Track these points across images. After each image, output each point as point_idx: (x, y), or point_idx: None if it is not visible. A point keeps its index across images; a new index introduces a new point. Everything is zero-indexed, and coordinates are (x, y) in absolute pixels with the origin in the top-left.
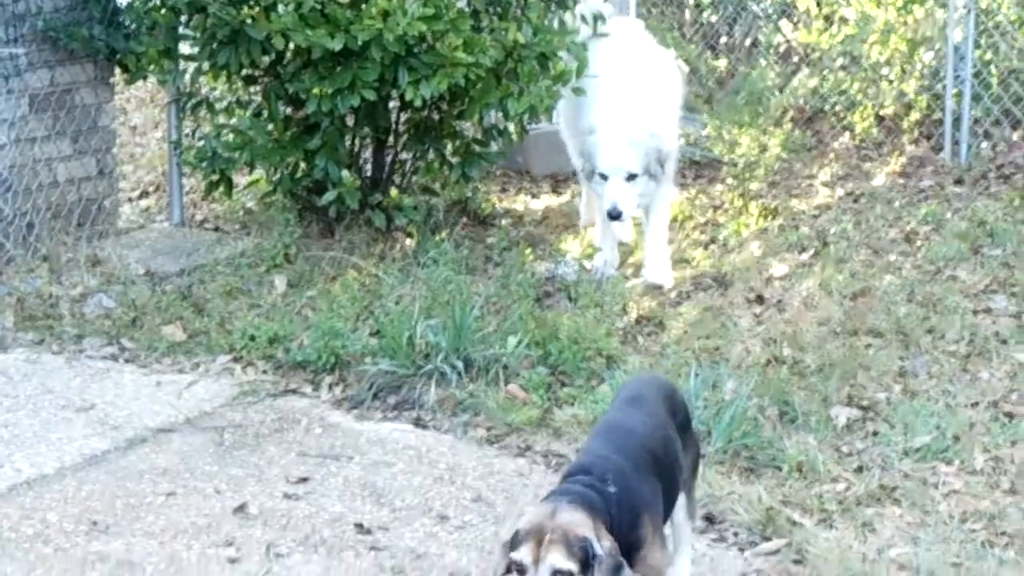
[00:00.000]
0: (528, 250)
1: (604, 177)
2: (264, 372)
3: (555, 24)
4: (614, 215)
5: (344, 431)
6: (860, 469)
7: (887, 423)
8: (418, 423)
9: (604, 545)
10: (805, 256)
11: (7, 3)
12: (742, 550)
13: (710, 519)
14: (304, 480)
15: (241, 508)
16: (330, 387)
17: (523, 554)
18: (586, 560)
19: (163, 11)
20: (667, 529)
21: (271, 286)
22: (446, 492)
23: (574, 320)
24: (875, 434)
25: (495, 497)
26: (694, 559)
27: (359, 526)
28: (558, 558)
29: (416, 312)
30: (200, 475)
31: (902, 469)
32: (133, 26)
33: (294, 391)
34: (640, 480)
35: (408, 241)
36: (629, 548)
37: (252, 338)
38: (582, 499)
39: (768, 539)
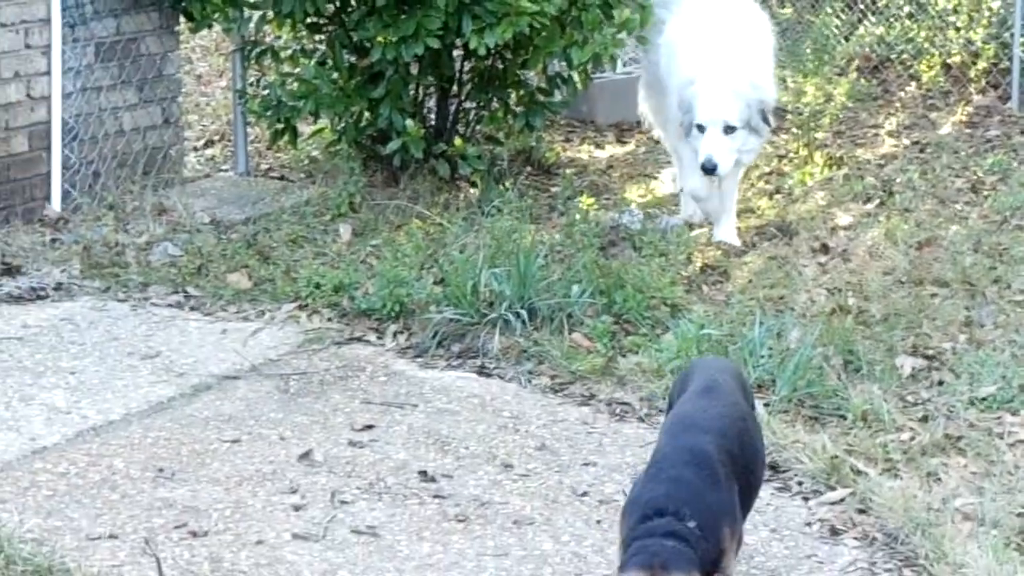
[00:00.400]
0: (592, 199)
1: (701, 129)
2: (329, 320)
3: None
4: (709, 168)
5: (408, 379)
6: (925, 419)
7: (952, 372)
8: (482, 371)
9: None
10: (870, 206)
11: None
12: (806, 499)
13: (774, 467)
14: (369, 428)
15: (306, 455)
16: (394, 335)
17: None
18: None
19: None
20: None
21: (336, 235)
22: (510, 440)
23: (638, 269)
24: (940, 384)
25: (559, 445)
26: (759, 508)
27: (423, 473)
28: None
29: (480, 261)
30: (265, 422)
31: (967, 419)
32: None
33: (359, 339)
34: (718, 492)
35: (472, 190)
36: (714, 565)
37: (317, 286)
38: (677, 554)
39: (832, 488)
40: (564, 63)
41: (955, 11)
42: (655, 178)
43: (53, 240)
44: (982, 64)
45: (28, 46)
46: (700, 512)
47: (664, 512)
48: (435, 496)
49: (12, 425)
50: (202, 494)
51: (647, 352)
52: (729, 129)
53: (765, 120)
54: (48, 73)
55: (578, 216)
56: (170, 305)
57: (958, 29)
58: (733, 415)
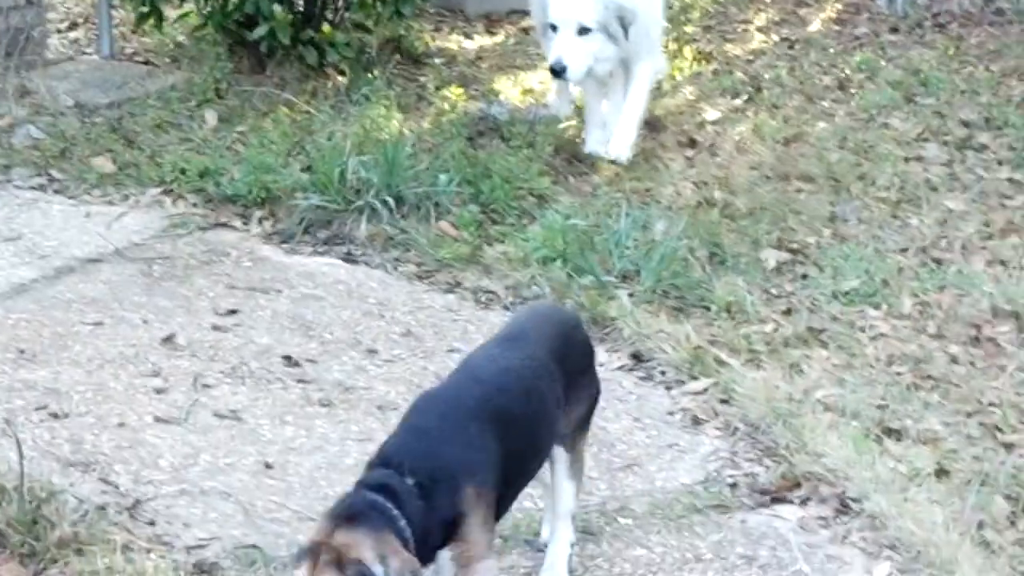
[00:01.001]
0: (461, 90)
1: (555, 29)
2: (194, 205)
3: None
4: (557, 70)
5: (274, 265)
6: (788, 311)
7: (816, 266)
8: (348, 258)
9: (391, 565)
10: (738, 101)
11: None
12: (669, 388)
13: (637, 357)
14: (232, 312)
15: (169, 339)
16: (260, 221)
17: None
18: None
19: None
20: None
21: (202, 120)
22: (375, 326)
23: (505, 159)
24: (804, 277)
25: (424, 332)
26: (621, 397)
27: (287, 358)
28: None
29: (348, 148)
30: (128, 306)
31: (830, 312)
32: None
33: (224, 225)
34: (463, 448)
35: (340, 78)
36: (450, 529)
37: (183, 171)
38: (369, 508)
39: (695, 378)
40: None
41: None
42: (524, 70)
43: None
44: None
45: None
46: (429, 469)
47: (388, 463)
48: (299, 381)
49: None
50: (63, 376)
51: (513, 241)
52: (583, 31)
53: (624, 28)
54: None
55: (446, 106)
56: (32, 188)
57: None
58: (523, 370)
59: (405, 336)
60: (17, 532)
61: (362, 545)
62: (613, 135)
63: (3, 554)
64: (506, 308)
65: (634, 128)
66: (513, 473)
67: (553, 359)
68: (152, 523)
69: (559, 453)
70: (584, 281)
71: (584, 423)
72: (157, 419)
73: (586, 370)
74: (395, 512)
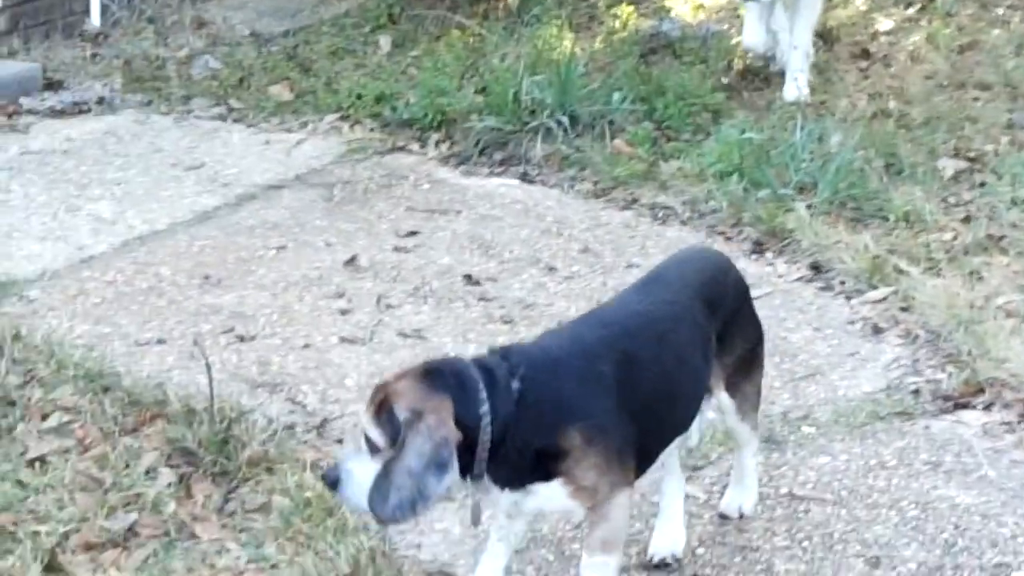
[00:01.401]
0: (632, 7)
1: None
2: (371, 130)
3: None
4: None
5: (451, 187)
6: (967, 219)
7: (995, 174)
8: (524, 178)
9: (422, 421)
10: (911, 10)
11: None
12: (849, 298)
13: (816, 268)
14: (413, 234)
15: (351, 261)
16: (436, 144)
17: (359, 410)
18: (396, 432)
19: None
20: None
21: (376, 46)
22: (554, 244)
23: (679, 75)
24: (982, 185)
25: (602, 248)
26: (801, 308)
27: (468, 277)
28: (366, 420)
29: (521, 69)
30: (310, 230)
31: (1009, 219)
32: None
33: (401, 148)
34: (578, 386)
35: (511, 0)
36: (552, 463)
37: (359, 97)
38: (451, 373)
39: (875, 287)
40: None
41: None
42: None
43: (94, 55)
44: None
45: None
46: (538, 385)
47: (506, 358)
48: (480, 299)
49: (60, 235)
50: (249, 300)
51: (689, 157)
52: None
53: None
54: None
55: (618, 24)
56: (212, 117)
57: None
58: (655, 315)
59: (583, 253)
60: (209, 452)
61: (405, 396)
62: (788, 80)
63: (196, 473)
64: (683, 223)
65: (807, 66)
66: (648, 421)
67: (699, 303)
68: (339, 441)
69: (724, 399)
70: (761, 194)
71: (751, 366)
72: (342, 339)
73: (741, 310)
74: (480, 395)
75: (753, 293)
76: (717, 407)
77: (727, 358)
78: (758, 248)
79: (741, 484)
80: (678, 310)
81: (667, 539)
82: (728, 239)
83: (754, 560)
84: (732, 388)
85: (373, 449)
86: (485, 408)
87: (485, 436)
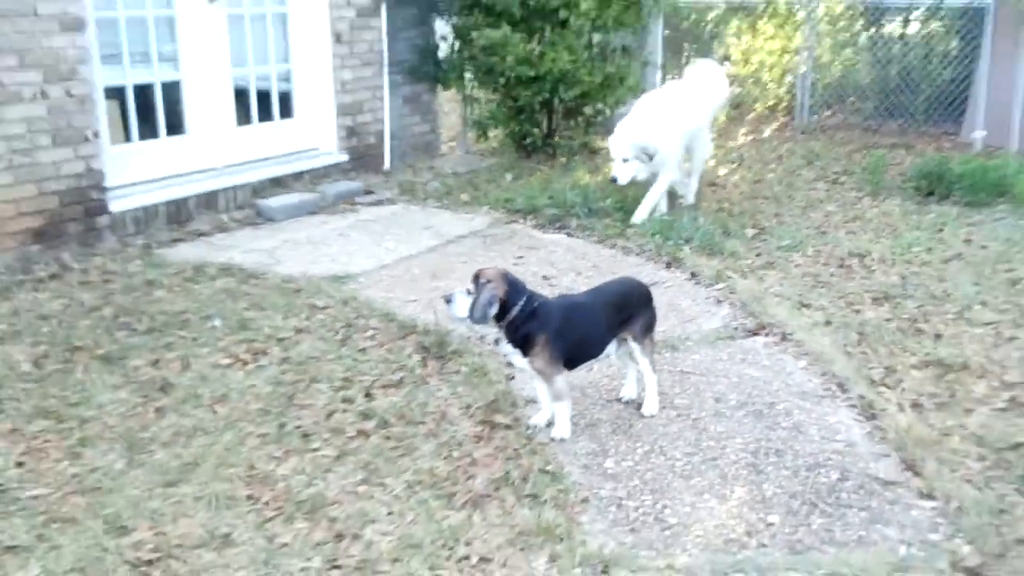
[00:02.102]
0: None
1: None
2: (503, 213)
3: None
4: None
5: (537, 238)
6: (758, 255)
7: (770, 235)
8: (568, 234)
9: (491, 286)
10: (733, 167)
11: (399, 59)
12: (707, 287)
13: (693, 274)
14: (520, 257)
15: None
16: (528, 219)
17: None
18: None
19: (457, 59)
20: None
21: (505, 178)
22: (579, 263)
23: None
24: (764, 240)
25: (600, 266)
26: (686, 291)
27: (544, 277)
28: (470, 281)
29: (567, 188)
30: (476, 255)
31: (776, 256)
32: (445, 66)
33: (515, 221)
34: (551, 321)
35: (562, 159)
36: (525, 343)
37: (498, 199)
38: (513, 277)
39: (718, 283)
40: (602, 104)
41: (771, 80)
42: None
43: (386, 180)
44: (784, 103)
45: (375, 97)
46: (541, 314)
47: (543, 300)
48: (549, 286)
49: (370, 255)
50: (452, 284)
51: (639, 227)
52: (624, 160)
53: (649, 157)
54: (383, 109)
55: (606, 170)
56: (437, 207)
57: (770, 86)
58: (592, 301)
59: (592, 268)
60: (434, 347)
61: (488, 275)
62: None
63: (428, 356)
64: (635, 256)
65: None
66: (574, 349)
67: (613, 301)
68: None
69: (635, 345)
70: (668, 243)
71: (648, 330)
72: None
73: (643, 307)
74: (521, 297)
75: (663, 286)
76: (632, 350)
77: (635, 326)
78: (668, 266)
79: (647, 393)
80: (601, 301)
81: (629, 390)
82: (655, 262)
83: (665, 401)
84: (638, 339)
85: (468, 292)
86: (519, 303)
87: (512, 313)
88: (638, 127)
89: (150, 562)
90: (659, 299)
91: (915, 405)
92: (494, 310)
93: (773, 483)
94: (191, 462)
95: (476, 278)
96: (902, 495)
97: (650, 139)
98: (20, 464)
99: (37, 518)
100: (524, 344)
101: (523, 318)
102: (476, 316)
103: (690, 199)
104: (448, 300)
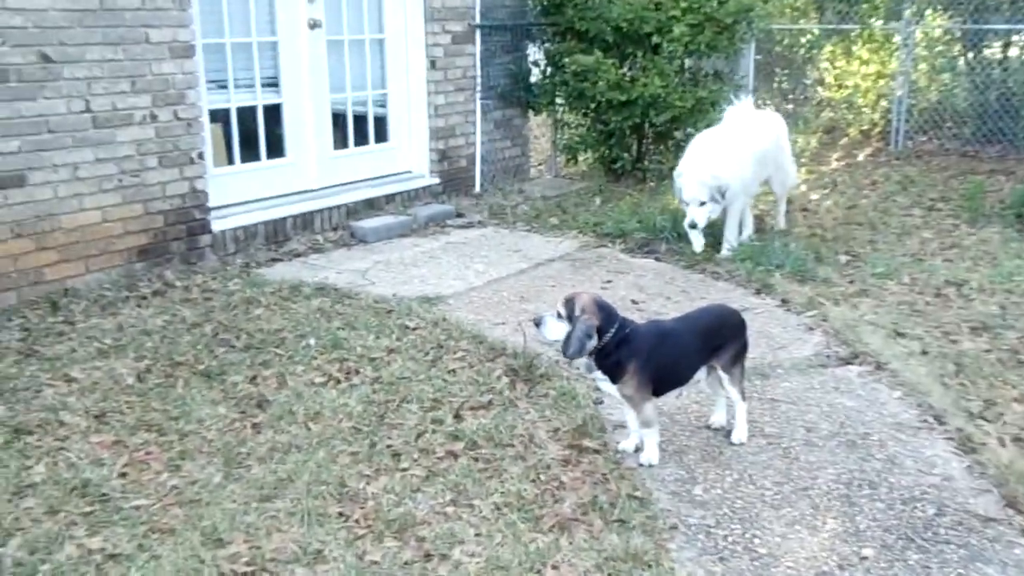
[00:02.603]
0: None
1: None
2: (591, 237)
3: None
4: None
5: (626, 262)
6: (852, 282)
7: (864, 263)
8: (657, 259)
9: (585, 317)
10: (826, 191)
11: (491, 84)
12: (798, 314)
13: (784, 301)
14: (608, 282)
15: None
16: (614, 242)
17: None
18: (572, 314)
19: (549, 84)
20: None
21: (594, 202)
22: (667, 287)
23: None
24: (857, 267)
25: (689, 290)
26: (777, 318)
27: (633, 301)
28: (560, 304)
29: (656, 212)
30: (565, 278)
31: (870, 283)
32: (536, 91)
33: (603, 246)
34: (642, 349)
35: (652, 183)
36: (616, 369)
37: (586, 223)
38: (606, 304)
39: (809, 310)
40: (693, 128)
41: (866, 105)
42: None
43: (476, 203)
44: (879, 127)
45: (467, 121)
46: (634, 337)
47: (634, 326)
48: (637, 311)
49: (460, 277)
50: (542, 307)
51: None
52: (701, 203)
53: (722, 196)
54: (475, 133)
55: None
56: (526, 230)
57: (867, 110)
58: (680, 328)
59: (682, 292)
60: (523, 370)
61: (582, 301)
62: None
63: (517, 379)
64: (724, 280)
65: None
66: (662, 373)
67: (702, 330)
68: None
69: (723, 375)
70: (759, 269)
71: (737, 359)
72: None
73: (734, 336)
74: (614, 325)
75: (754, 312)
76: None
77: (724, 356)
78: (758, 292)
79: (736, 421)
80: (692, 328)
81: (719, 417)
82: (745, 288)
83: (755, 429)
84: (727, 369)
85: (559, 316)
86: (611, 330)
87: (604, 340)
88: (709, 167)
89: (245, 575)
90: (749, 326)
91: (1017, 440)
92: (592, 343)
93: (867, 516)
94: (285, 478)
95: (567, 303)
96: (1003, 533)
97: (722, 178)
98: (123, 475)
99: (138, 527)
100: (615, 371)
101: (615, 345)
102: (572, 351)
103: (781, 224)
104: (537, 323)
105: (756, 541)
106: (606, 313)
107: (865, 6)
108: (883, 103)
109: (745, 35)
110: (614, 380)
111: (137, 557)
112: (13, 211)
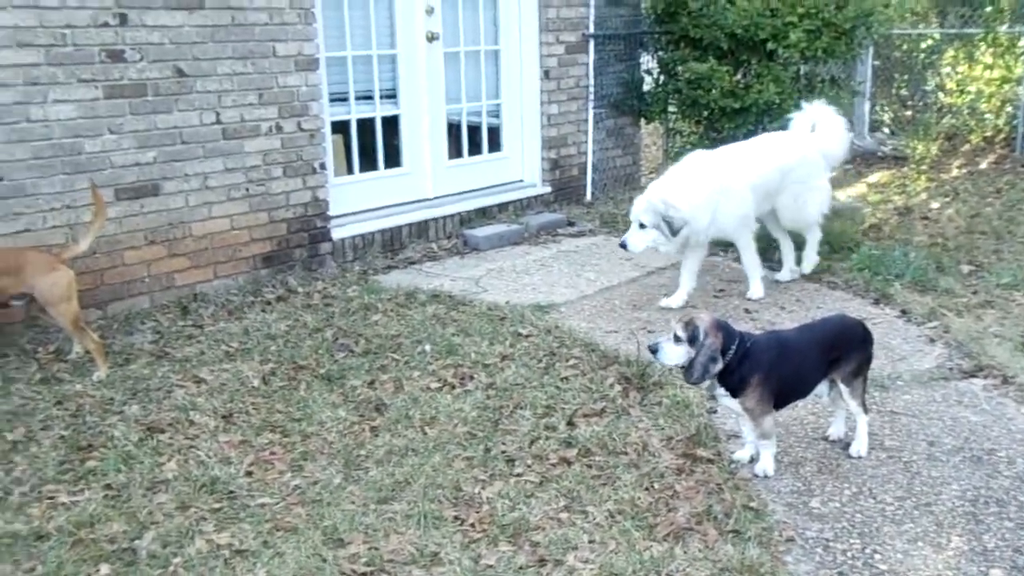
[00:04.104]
0: None
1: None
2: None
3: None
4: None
5: (737, 270)
6: (975, 292)
7: (988, 272)
8: (771, 268)
9: (709, 342)
10: (947, 199)
11: (604, 93)
12: (919, 325)
13: (903, 311)
14: (721, 290)
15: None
16: (727, 250)
17: (672, 320)
18: (694, 338)
19: (661, 92)
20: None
21: None
22: (781, 296)
23: (841, 230)
24: (981, 277)
25: (806, 302)
26: (897, 329)
27: (747, 311)
28: (678, 327)
29: None
30: (676, 287)
31: (995, 294)
32: (649, 99)
33: (715, 254)
34: (762, 362)
35: None
36: (739, 385)
37: None
38: (726, 324)
39: (931, 321)
40: None
41: (989, 111)
42: None
43: (587, 211)
44: (1003, 133)
45: (579, 130)
46: (754, 350)
47: (753, 339)
48: (750, 320)
49: (571, 285)
50: (654, 315)
51: (845, 261)
52: (641, 226)
53: (669, 227)
54: (586, 143)
55: None
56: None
57: (989, 117)
58: (800, 340)
59: (797, 302)
60: (635, 378)
61: (706, 323)
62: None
63: (630, 386)
64: (842, 290)
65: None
66: (783, 385)
67: (823, 341)
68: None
69: (843, 387)
70: (877, 278)
71: (859, 372)
72: None
73: (858, 349)
74: (734, 343)
75: (872, 323)
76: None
77: (845, 368)
78: (876, 302)
79: (857, 433)
80: (812, 339)
81: (837, 429)
82: (863, 298)
83: (874, 442)
84: (847, 382)
85: (677, 340)
86: (732, 348)
87: (726, 359)
88: (666, 191)
89: (364, 575)
90: None
91: None
92: (717, 367)
93: (995, 535)
94: (402, 480)
95: (687, 326)
96: None
97: (677, 208)
98: (249, 473)
99: (263, 525)
100: (737, 386)
101: (736, 361)
102: (696, 376)
103: (805, 267)
104: (654, 351)
105: (876, 557)
106: (726, 332)
107: (989, 9)
108: (1008, 109)
109: (864, 41)
110: (735, 395)
111: (262, 553)
112: (148, 219)
